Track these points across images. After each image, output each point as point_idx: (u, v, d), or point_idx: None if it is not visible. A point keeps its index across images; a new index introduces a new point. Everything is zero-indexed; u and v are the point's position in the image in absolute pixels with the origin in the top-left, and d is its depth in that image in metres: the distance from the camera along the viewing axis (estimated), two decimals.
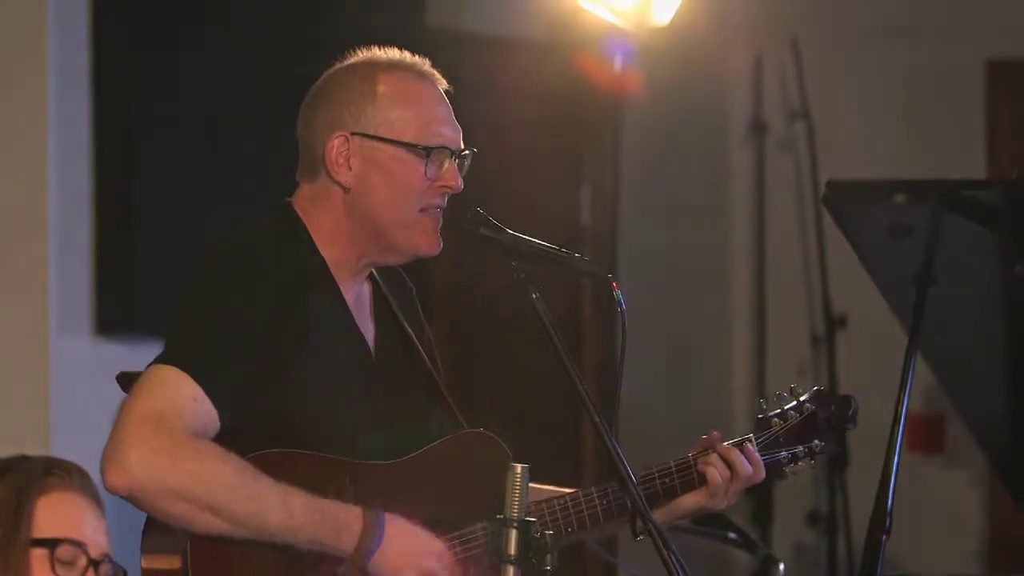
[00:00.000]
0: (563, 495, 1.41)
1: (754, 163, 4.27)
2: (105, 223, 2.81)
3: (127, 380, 1.34)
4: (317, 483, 1.24)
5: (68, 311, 2.75)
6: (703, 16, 3.74)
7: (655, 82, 3.71)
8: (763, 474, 1.45)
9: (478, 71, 3.32)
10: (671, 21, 3.45)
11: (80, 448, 1.33)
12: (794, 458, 1.48)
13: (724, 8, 4.05)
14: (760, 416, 1.49)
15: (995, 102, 4.15)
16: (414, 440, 1.35)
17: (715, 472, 1.41)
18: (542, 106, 3.87)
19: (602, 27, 3.37)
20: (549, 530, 1.21)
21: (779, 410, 1.48)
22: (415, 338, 1.46)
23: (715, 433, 1.48)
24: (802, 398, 1.49)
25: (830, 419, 1.50)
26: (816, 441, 1.48)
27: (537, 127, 3.86)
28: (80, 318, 2.77)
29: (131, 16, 2.79)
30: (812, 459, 1.50)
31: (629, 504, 1.33)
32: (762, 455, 1.46)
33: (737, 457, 1.42)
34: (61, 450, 1.87)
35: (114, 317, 2.81)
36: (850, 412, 1.51)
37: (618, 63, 3.51)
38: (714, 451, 1.43)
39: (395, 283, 1.49)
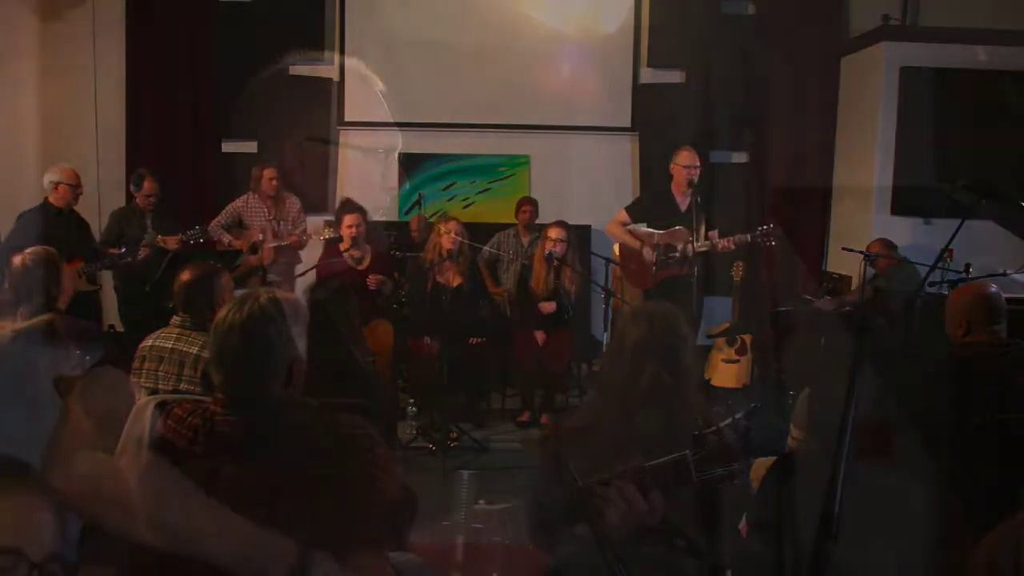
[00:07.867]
0: None
1: None
2: None
3: (64, 384, 1.33)
4: None
5: None
6: None
7: None
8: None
9: None
10: None
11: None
12: (730, 475, 1.49)
13: None
14: (696, 433, 1.49)
15: None
16: None
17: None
18: None
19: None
20: None
21: (715, 427, 1.49)
22: None
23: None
24: (737, 415, 1.49)
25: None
26: (752, 458, 1.49)
27: None
28: None
29: None
30: (748, 475, 1.50)
31: None
32: (698, 472, 1.47)
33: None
34: None
35: None
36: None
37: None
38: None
39: None
